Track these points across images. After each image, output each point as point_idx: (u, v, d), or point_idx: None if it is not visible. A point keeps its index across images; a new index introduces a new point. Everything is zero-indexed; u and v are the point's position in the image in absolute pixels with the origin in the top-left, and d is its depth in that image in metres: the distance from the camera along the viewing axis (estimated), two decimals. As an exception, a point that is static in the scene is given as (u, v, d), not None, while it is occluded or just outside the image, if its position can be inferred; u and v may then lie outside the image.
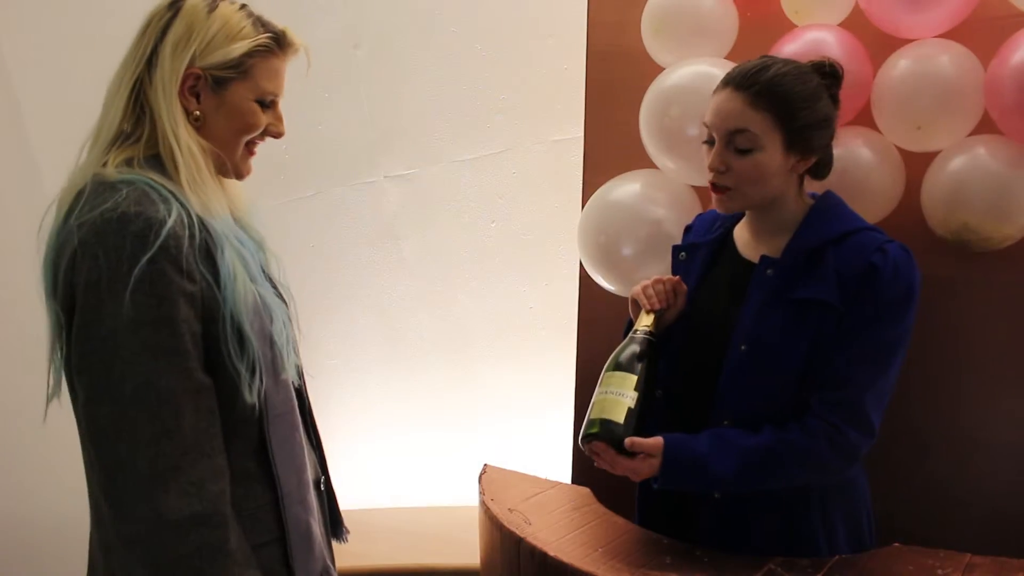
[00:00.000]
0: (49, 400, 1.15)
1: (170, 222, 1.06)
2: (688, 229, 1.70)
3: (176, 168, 1.14)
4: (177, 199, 1.10)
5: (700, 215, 1.72)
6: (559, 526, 1.57)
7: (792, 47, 1.71)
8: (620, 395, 1.43)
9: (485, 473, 1.83)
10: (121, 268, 1.03)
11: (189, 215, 1.10)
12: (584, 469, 2.05)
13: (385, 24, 2.62)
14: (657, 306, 1.52)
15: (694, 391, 1.51)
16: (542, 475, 1.86)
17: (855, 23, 1.73)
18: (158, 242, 1.04)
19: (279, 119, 1.26)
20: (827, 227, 1.43)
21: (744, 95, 1.38)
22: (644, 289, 1.55)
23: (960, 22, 1.65)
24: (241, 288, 1.12)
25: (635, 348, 1.47)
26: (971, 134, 1.63)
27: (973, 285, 1.69)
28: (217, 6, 1.19)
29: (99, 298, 1.04)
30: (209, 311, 1.11)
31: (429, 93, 2.64)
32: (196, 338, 1.10)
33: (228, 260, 1.12)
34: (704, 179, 1.84)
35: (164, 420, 1.06)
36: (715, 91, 1.44)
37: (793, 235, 1.45)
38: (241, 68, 1.18)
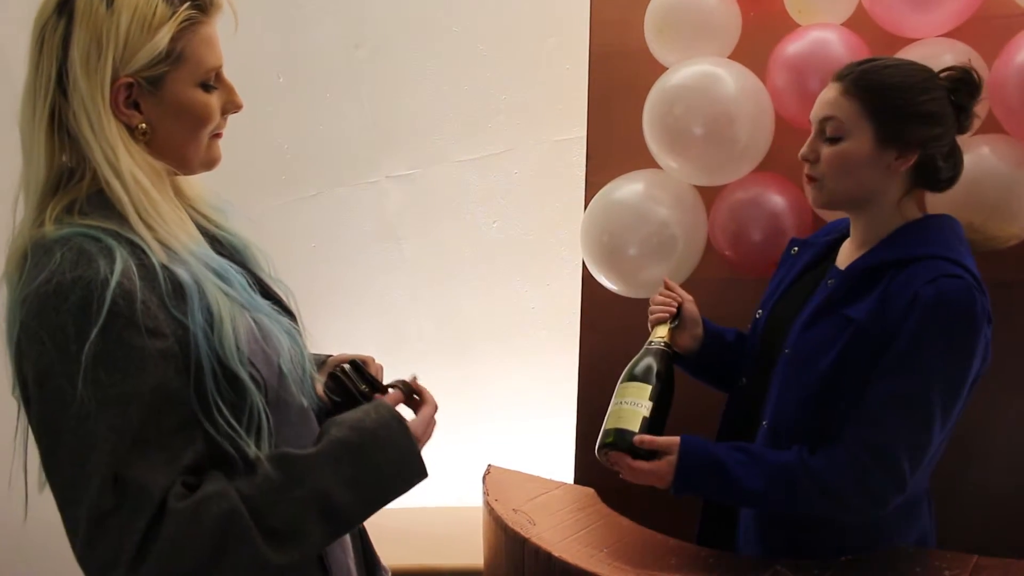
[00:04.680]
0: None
1: (114, 278, 0.89)
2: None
3: (123, 206, 0.96)
4: (129, 242, 0.94)
5: (834, 222, 1.64)
6: (564, 527, 1.57)
7: (795, 46, 1.71)
8: (635, 405, 1.42)
9: (489, 474, 1.83)
10: (70, 350, 0.88)
11: (143, 256, 0.94)
12: (587, 470, 2.04)
13: (386, 24, 2.61)
14: (666, 314, 1.55)
15: (757, 393, 1.49)
16: (545, 476, 1.86)
17: (858, 22, 1.73)
18: (104, 308, 0.88)
19: (230, 90, 1.06)
20: (900, 248, 1.35)
21: (839, 85, 1.36)
22: (652, 300, 1.59)
23: (964, 21, 1.65)
24: (229, 330, 0.97)
25: (649, 360, 1.49)
26: (975, 134, 1.63)
27: (977, 285, 1.68)
28: None
29: (53, 389, 0.89)
30: (194, 356, 0.95)
31: (431, 93, 2.63)
32: (176, 395, 0.94)
33: (209, 300, 0.96)
34: (707, 179, 1.86)
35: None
36: None
37: (868, 250, 1.39)
38: (172, 56, 0.98)
